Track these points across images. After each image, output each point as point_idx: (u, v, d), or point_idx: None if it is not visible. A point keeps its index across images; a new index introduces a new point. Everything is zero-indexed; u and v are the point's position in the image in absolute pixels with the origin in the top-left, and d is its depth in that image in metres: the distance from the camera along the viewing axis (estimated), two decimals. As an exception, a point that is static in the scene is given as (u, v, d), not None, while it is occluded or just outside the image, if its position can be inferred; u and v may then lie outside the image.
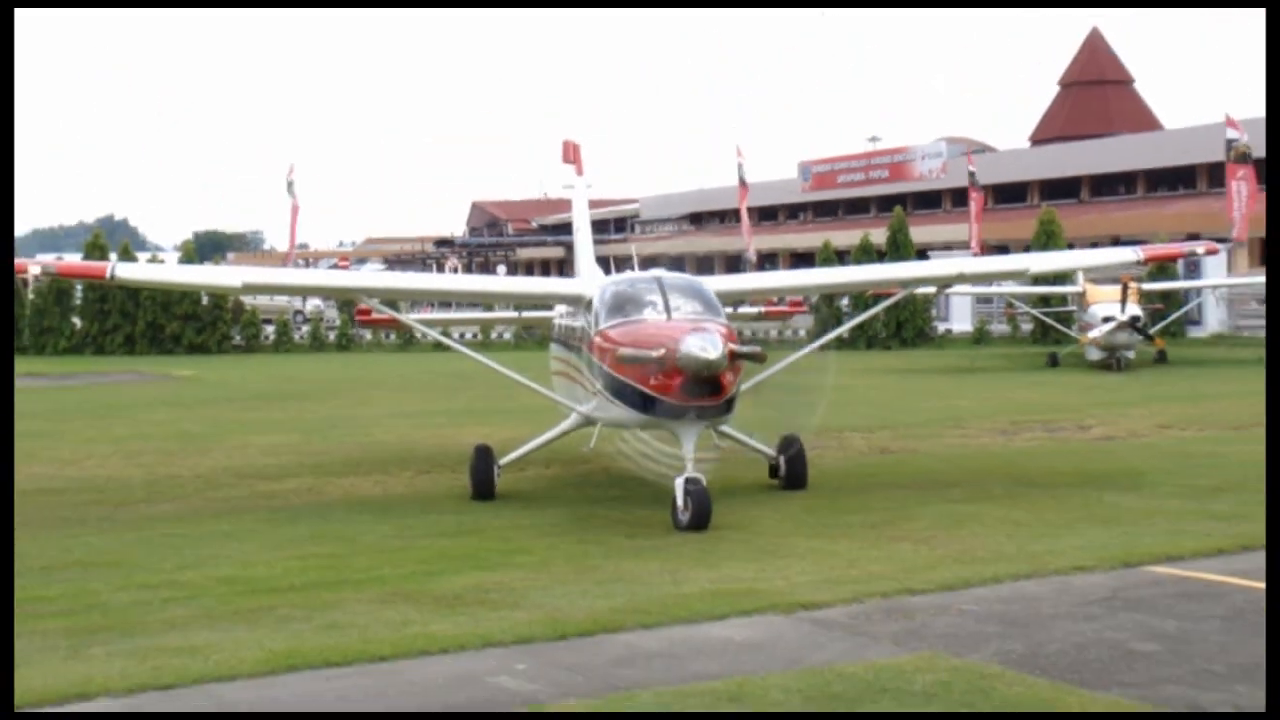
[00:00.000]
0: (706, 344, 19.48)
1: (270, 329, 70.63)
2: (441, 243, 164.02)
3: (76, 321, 68.34)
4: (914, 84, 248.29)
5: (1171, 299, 60.69)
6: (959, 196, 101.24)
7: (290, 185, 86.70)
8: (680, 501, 19.96)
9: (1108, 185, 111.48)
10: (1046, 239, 68.10)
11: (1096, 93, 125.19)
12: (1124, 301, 49.63)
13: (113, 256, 38.80)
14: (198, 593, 16.78)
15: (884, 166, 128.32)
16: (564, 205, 29.53)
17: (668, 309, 21.47)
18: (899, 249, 70.81)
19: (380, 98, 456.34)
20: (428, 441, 31.54)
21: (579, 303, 23.56)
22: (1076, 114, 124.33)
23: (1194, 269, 64.19)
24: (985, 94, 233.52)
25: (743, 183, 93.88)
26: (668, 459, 20.74)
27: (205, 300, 66.70)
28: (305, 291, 28.58)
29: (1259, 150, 65.49)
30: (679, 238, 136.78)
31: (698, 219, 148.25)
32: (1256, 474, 24.03)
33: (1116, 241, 73.23)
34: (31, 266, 21.98)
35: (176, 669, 13.34)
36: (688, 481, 19.98)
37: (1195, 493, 22.71)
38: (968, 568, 17.41)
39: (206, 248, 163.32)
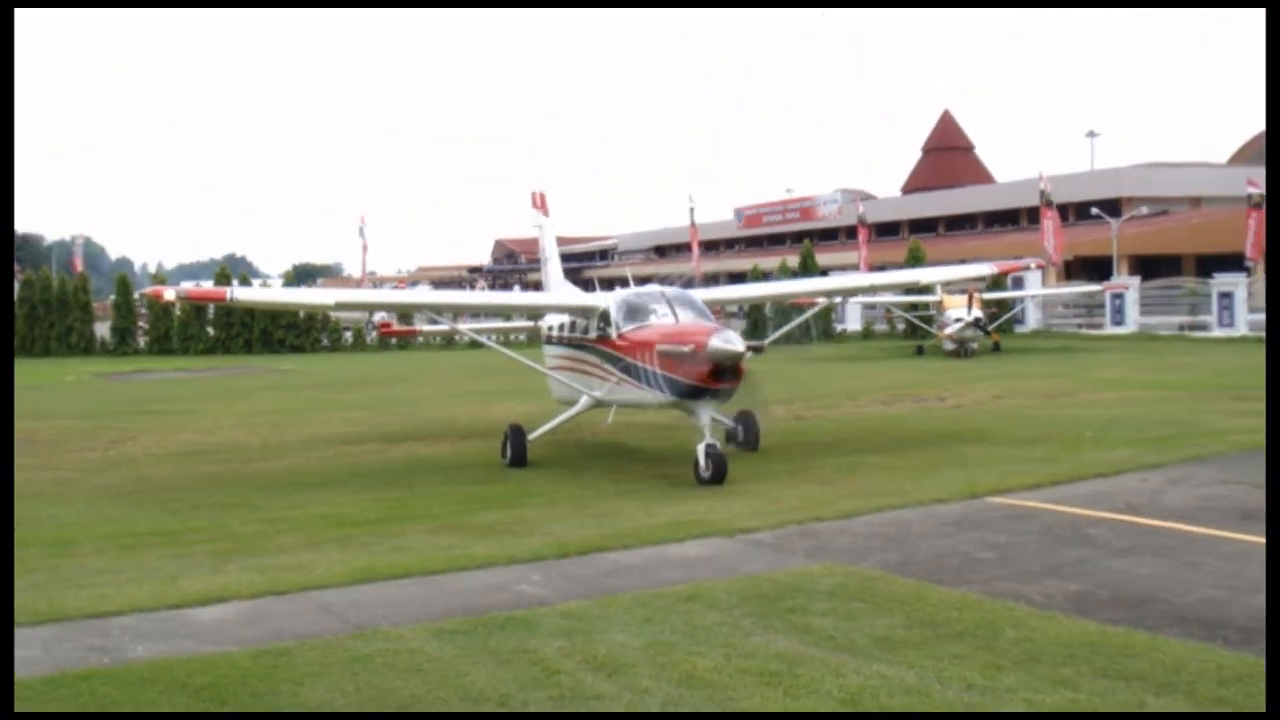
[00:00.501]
0: (731, 340, 18.96)
1: (349, 334, 70.67)
2: (473, 270, 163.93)
3: (210, 330, 68.72)
4: (820, 146, 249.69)
5: (1003, 305, 60.96)
6: (851, 232, 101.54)
7: (361, 230, 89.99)
8: (703, 462, 19.24)
9: (957, 223, 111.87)
10: (914, 262, 68.27)
11: (948, 156, 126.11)
12: (970, 307, 50.34)
13: (235, 283, 37.84)
14: (301, 525, 16.86)
15: (796, 210, 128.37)
16: (566, 241, 29.36)
17: (674, 314, 20.80)
18: (808, 271, 71.01)
19: (429, 148, 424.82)
20: (465, 415, 31.53)
21: (591, 312, 22.44)
22: (934, 171, 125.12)
23: (1019, 283, 64.49)
24: (871, 155, 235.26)
25: (693, 223, 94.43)
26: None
27: (302, 315, 67.64)
28: (379, 307, 28.38)
29: (1060, 199, 66.13)
30: (647, 264, 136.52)
31: (661, 250, 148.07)
32: (1063, 429, 24.34)
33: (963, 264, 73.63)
34: (167, 292, 21.75)
35: (288, 580, 13.52)
36: (708, 447, 19.31)
37: (1020, 444, 22.86)
38: (859, 501, 17.52)
39: (302, 275, 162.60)
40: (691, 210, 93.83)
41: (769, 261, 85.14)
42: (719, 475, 19.24)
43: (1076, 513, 16.42)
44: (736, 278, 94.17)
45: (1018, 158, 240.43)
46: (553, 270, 28.88)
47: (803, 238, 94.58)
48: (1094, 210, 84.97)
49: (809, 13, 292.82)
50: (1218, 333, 57.54)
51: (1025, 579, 12.93)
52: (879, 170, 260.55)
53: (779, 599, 12.19)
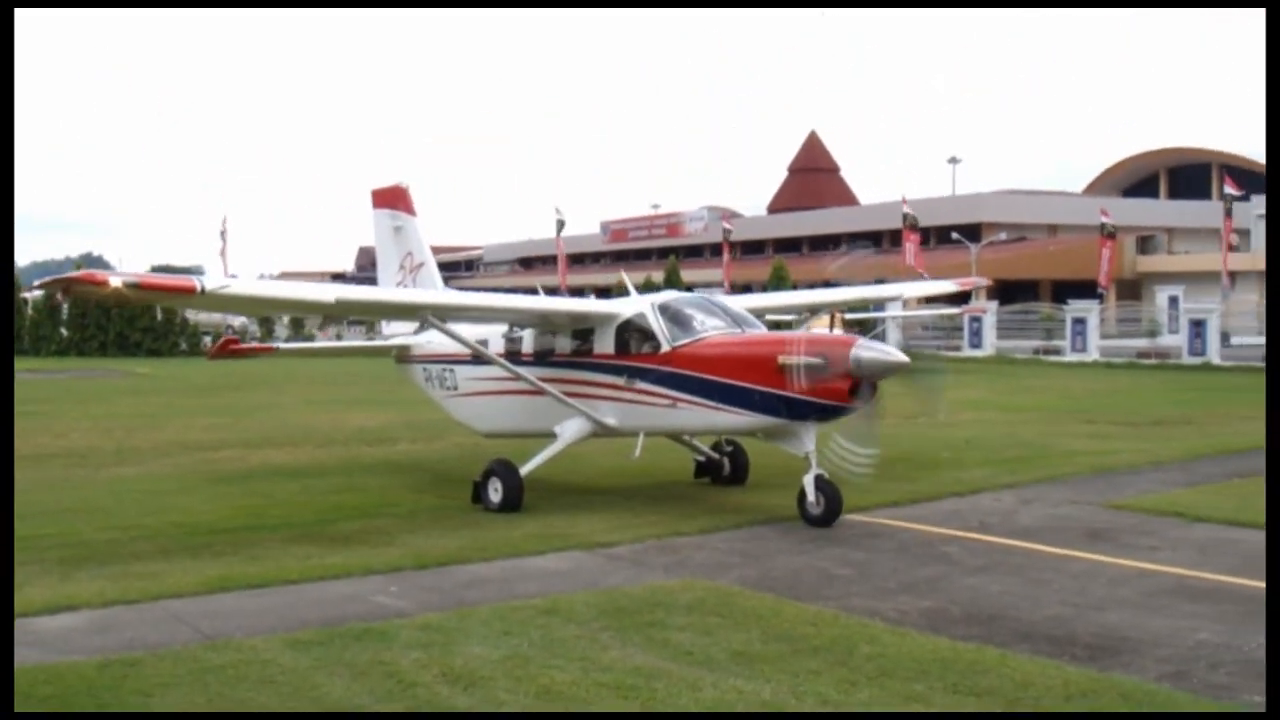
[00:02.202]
0: (883, 349, 16.94)
1: (208, 338, 69.53)
2: (336, 276, 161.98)
3: (64, 331, 67.29)
4: (686, 162, 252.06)
5: (865, 326, 61.81)
6: (716, 249, 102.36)
7: (222, 231, 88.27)
8: (812, 496, 16.92)
9: (821, 243, 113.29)
10: (778, 281, 69.07)
11: (813, 177, 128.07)
12: (831, 327, 50.88)
13: (204, 274, 29.36)
14: (155, 533, 16.54)
15: (663, 226, 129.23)
16: (434, 250, 25.75)
17: (736, 323, 18.43)
18: (674, 287, 71.24)
19: (290, 150, 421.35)
20: (326, 423, 31.15)
21: (611, 320, 18.86)
22: (800, 191, 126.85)
23: (880, 305, 65.47)
24: (738, 173, 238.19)
25: (560, 236, 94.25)
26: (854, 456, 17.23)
27: (160, 316, 66.55)
28: (386, 306, 21.66)
29: (922, 222, 67.28)
30: (512, 276, 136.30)
31: (527, 262, 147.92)
32: (920, 449, 24.67)
33: (827, 284, 74.39)
34: (113, 279, 15.63)
35: (139, 589, 13.26)
36: (818, 479, 16.98)
37: (880, 463, 23.10)
38: (718, 516, 17.65)
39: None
40: (559, 223, 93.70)
41: (634, 277, 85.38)
42: (833, 512, 16.91)
43: (932, 531, 16.72)
44: (602, 293, 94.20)
45: (882, 180, 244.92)
46: (426, 278, 24.47)
47: (668, 254, 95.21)
48: (954, 235, 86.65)
49: (679, 27, 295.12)
50: (1070, 357, 58.91)
51: (881, 595, 13.12)
52: (746, 189, 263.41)
53: (637, 613, 12.21)
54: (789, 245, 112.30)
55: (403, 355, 23.52)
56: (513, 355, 20.01)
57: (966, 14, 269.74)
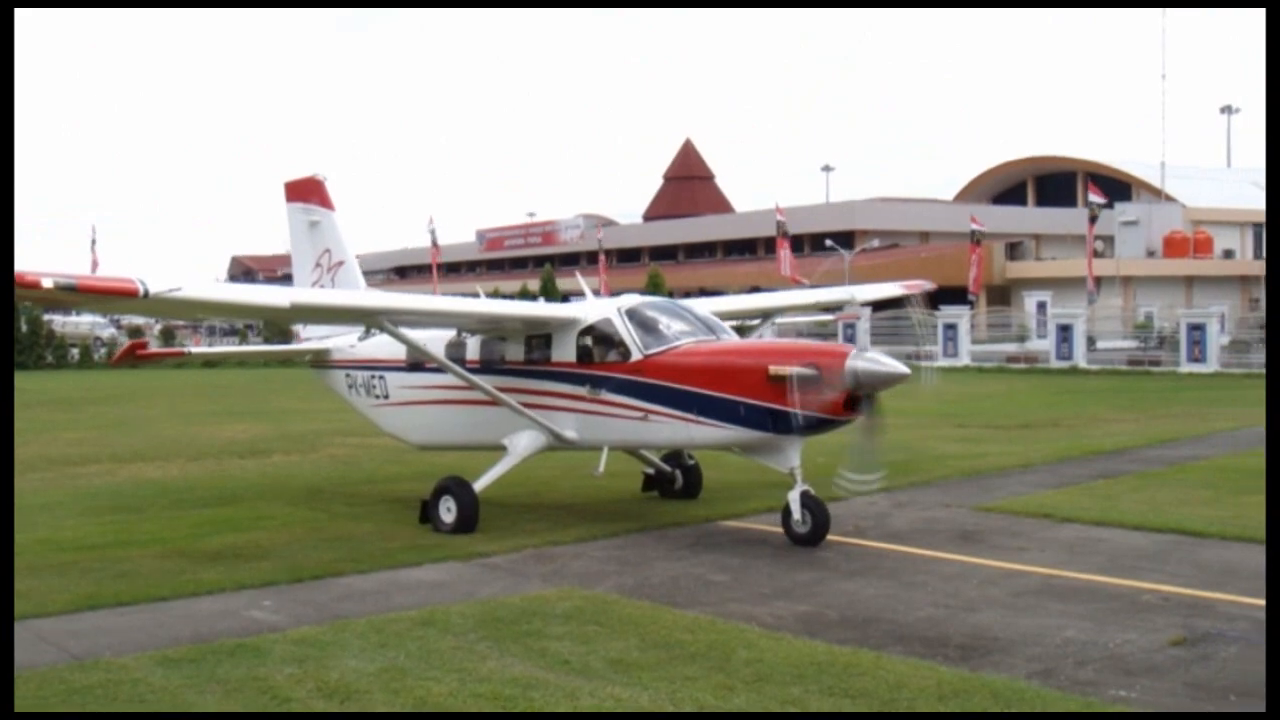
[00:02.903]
0: (881, 360, 15.67)
1: (75, 351, 68.04)
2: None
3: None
4: (562, 170, 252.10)
5: (742, 332, 62.08)
6: (592, 257, 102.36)
7: (93, 242, 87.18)
8: (797, 513, 16.05)
9: (697, 251, 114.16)
10: (654, 289, 69.23)
11: (689, 185, 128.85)
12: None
13: (145, 275, 16.65)
14: (21, 551, 16.10)
15: (538, 234, 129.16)
16: None
17: (711, 330, 17.62)
18: (549, 296, 71.23)
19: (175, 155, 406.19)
20: (197, 435, 30.67)
21: (571, 326, 17.78)
22: (675, 199, 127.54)
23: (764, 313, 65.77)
24: (614, 181, 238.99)
25: (435, 244, 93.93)
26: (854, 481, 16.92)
27: (25, 327, 64.91)
28: (341, 311, 18.70)
29: (796, 230, 67.94)
30: (387, 285, 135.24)
31: (402, 271, 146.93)
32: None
33: (703, 292, 74.94)
34: (45, 280, 13.41)
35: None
36: (804, 495, 16.11)
37: (754, 468, 23.23)
38: (596, 525, 17.68)
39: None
40: (432, 232, 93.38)
41: (509, 285, 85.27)
42: (820, 530, 16.11)
43: (807, 536, 16.86)
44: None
45: (757, 188, 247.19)
46: (347, 278, 22.54)
47: (544, 262, 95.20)
48: (828, 242, 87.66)
49: (554, 32, 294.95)
50: (943, 362, 59.84)
51: (757, 601, 13.23)
52: (623, 197, 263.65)
53: (515, 623, 12.20)
54: (665, 253, 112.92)
55: (320, 360, 22.17)
56: (455, 363, 18.54)
57: (839, 20, 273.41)
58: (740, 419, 16.09)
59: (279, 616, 12.67)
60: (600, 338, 17.54)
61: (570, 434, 17.72)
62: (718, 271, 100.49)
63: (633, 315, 17.46)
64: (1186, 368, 50.41)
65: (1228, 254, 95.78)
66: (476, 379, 18.03)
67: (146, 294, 14.17)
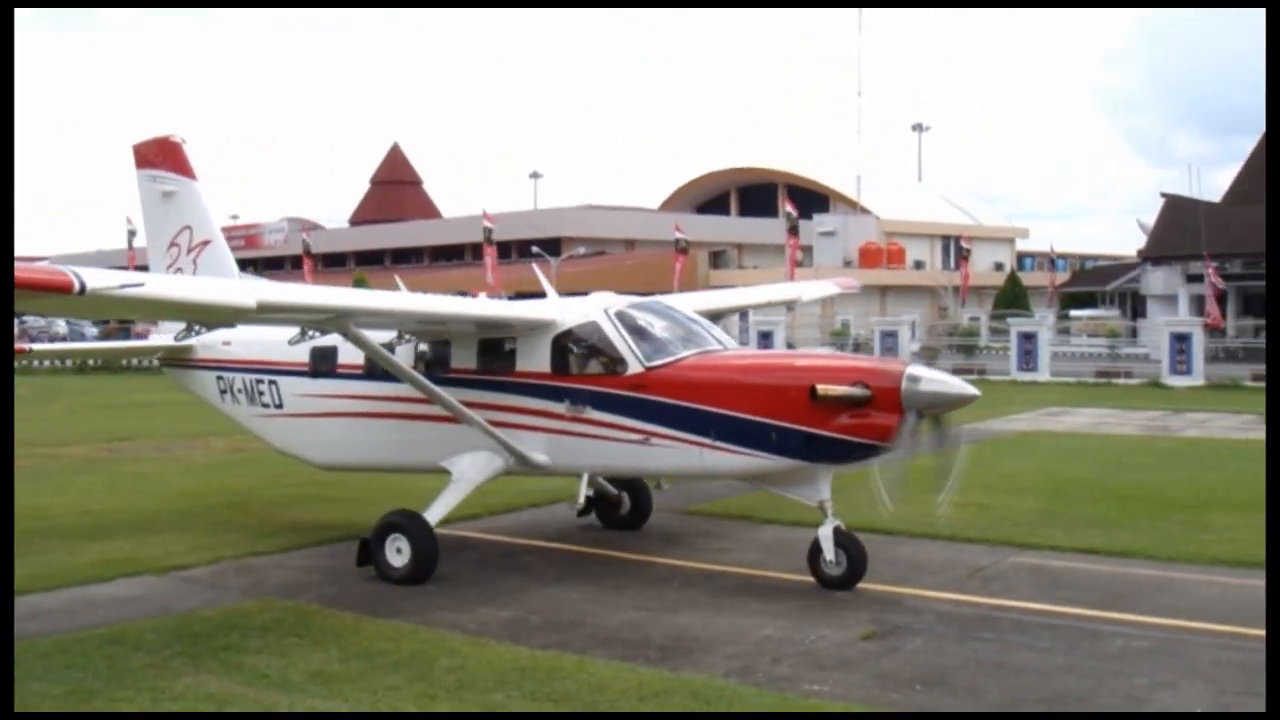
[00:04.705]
0: (946, 380, 13.78)
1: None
2: None
3: None
4: (267, 174, 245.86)
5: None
6: (297, 261, 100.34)
7: None
8: (830, 553, 13.92)
9: (404, 256, 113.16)
10: (360, 294, 68.57)
11: (396, 189, 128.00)
12: None
13: (78, 269, 11.50)
14: None
15: (241, 237, 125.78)
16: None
17: (717, 338, 15.48)
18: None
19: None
20: None
21: (544, 330, 15.18)
22: (383, 203, 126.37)
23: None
24: (320, 185, 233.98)
25: (131, 247, 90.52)
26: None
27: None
28: (314, 310, 14.08)
29: (504, 236, 68.19)
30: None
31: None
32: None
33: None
34: None
35: None
36: (838, 532, 14.01)
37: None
38: (298, 534, 17.36)
39: None
40: (131, 233, 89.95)
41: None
42: (857, 572, 14.00)
43: (512, 542, 16.97)
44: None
45: (465, 194, 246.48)
46: (214, 261, 19.13)
47: (247, 265, 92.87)
48: (535, 249, 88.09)
49: (254, 31, 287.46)
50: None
51: (461, 608, 13.21)
52: (329, 201, 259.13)
53: (211, 637, 11.88)
54: (371, 257, 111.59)
55: (178, 359, 18.97)
56: (377, 369, 15.88)
57: (546, 24, 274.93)
58: (770, 445, 13.79)
59: (-45, 638, 12.02)
60: (583, 345, 15.04)
61: (539, 457, 15.11)
62: (425, 277, 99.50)
63: (624, 319, 15.06)
64: (880, 373, 52.23)
65: (918, 264, 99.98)
66: (442, 392, 15.08)
67: (83, 289, 10.96)
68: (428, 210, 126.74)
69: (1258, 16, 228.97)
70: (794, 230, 67.52)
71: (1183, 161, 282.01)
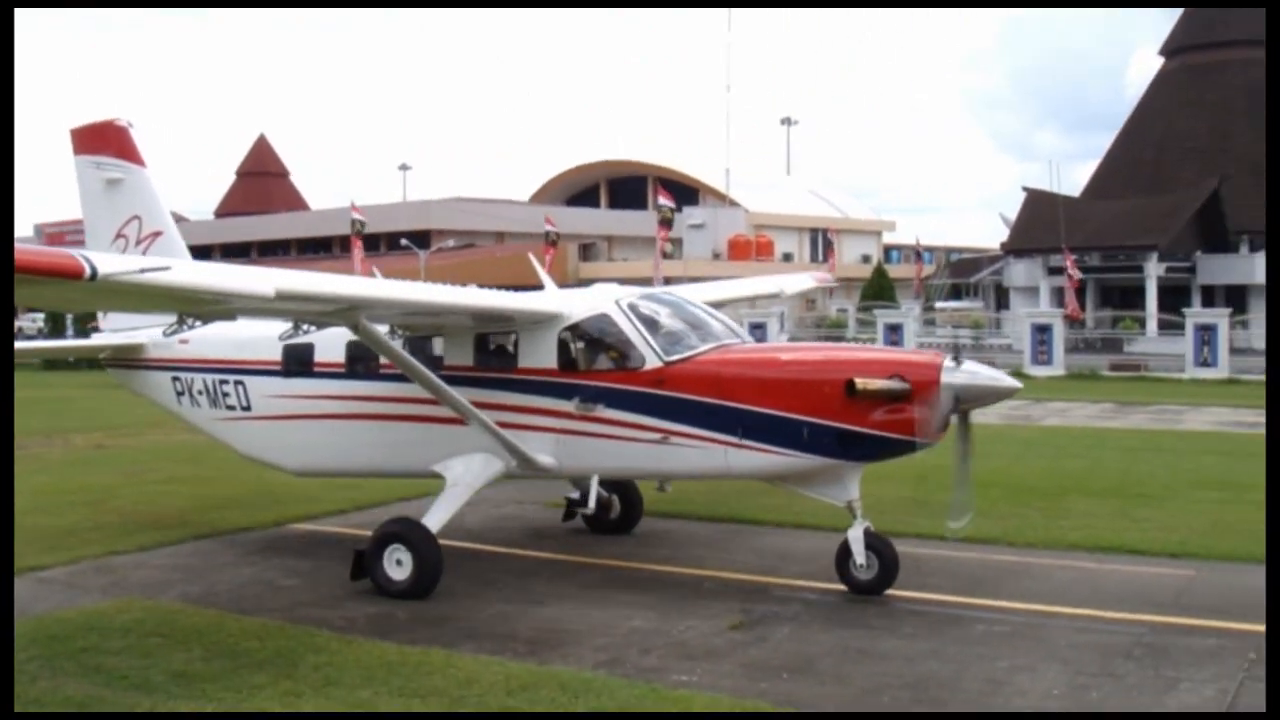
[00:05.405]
0: (986, 373, 13.23)
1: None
2: None
3: None
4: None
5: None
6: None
7: None
8: (861, 557, 13.29)
9: (271, 249, 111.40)
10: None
11: (262, 181, 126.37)
12: None
13: (88, 253, 10.58)
14: None
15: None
16: None
17: (734, 331, 14.85)
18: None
19: None
20: None
21: (549, 323, 14.24)
22: (249, 196, 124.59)
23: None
24: (185, 177, 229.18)
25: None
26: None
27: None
28: (334, 299, 12.65)
29: (373, 228, 67.57)
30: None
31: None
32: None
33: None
34: None
35: None
36: (868, 534, 13.41)
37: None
38: (160, 532, 17.05)
39: None
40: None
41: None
42: (889, 576, 13.39)
43: (380, 536, 16.78)
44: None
45: (334, 186, 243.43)
46: (168, 253, 17.00)
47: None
48: (404, 241, 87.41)
49: (113, 22, 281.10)
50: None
51: (328, 604, 13.09)
52: (194, 193, 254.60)
53: (70, 639, 11.62)
54: (237, 250, 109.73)
55: (128, 359, 17.78)
56: (358, 366, 15.27)
57: (415, 17, 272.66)
58: (802, 442, 13.11)
59: None
60: (593, 339, 14.20)
61: (545, 459, 14.16)
62: (292, 270, 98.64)
63: (637, 311, 14.22)
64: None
65: (787, 257, 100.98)
66: (454, 392, 13.91)
67: (94, 274, 9.89)
68: (295, 202, 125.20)
69: (1116, 17, 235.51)
70: (666, 222, 67.74)
71: (1044, 157, 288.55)
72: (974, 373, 12.90)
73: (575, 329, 14.14)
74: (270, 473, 18.35)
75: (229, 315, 13.43)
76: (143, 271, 10.55)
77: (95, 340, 18.97)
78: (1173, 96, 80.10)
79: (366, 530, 17.03)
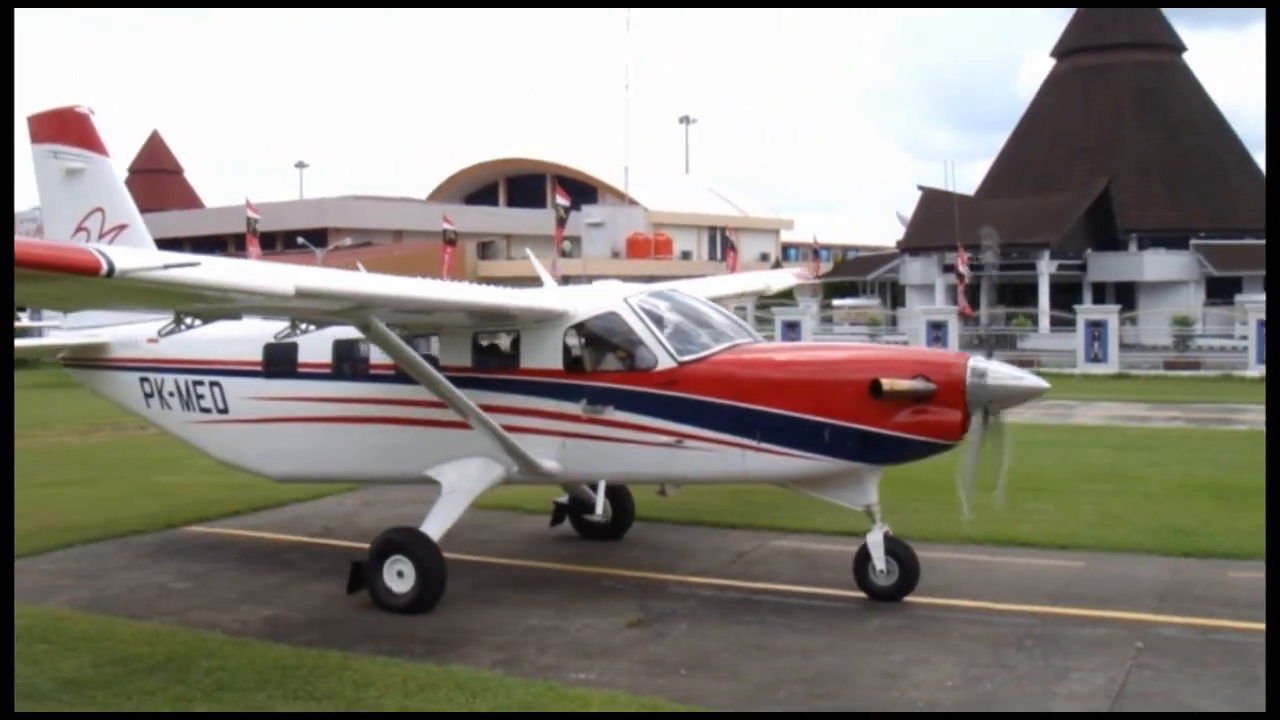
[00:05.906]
0: (1012, 373, 12.92)
1: None
2: None
3: None
4: (20, 162, 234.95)
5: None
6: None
7: None
8: (880, 563, 12.94)
9: (165, 247, 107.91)
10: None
11: (156, 178, 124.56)
12: None
13: (104, 247, 10.03)
14: None
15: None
16: None
17: (746, 330, 14.36)
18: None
19: None
20: None
21: (554, 322, 13.68)
22: (142, 193, 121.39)
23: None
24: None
25: None
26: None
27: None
28: (357, 298, 11.76)
29: (269, 226, 66.80)
30: None
31: None
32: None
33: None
34: None
35: None
36: (888, 539, 13.06)
37: (216, 471, 22.64)
38: (48, 535, 16.72)
39: None
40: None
41: None
42: (909, 582, 13.05)
43: (275, 538, 16.66)
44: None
45: (229, 183, 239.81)
46: (134, 240, 16.82)
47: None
48: (300, 239, 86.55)
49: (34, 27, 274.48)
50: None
51: (221, 607, 12.95)
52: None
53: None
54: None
55: (91, 358, 16.88)
56: (346, 366, 14.68)
57: (311, 14, 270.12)
58: (823, 445, 12.73)
59: None
60: (600, 339, 13.65)
61: (549, 464, 13.59)
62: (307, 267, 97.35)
63: (648, 310, 13.74)
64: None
65: (685, 255, 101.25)
66: (461, 395, 13.26)
67: (111, 271, 9.17)
68: (189, 200, 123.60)
69: (1011, 17, 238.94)
70: (563, 221, 67.69)
71: (940, 156, 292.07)
72: (998, 373, 12.63)
73: (582, 328, 13.65)
74: (161, 474, 18.11)
75: (234, 315, 12.89)
76: (167, 268, 9.83)
77: (53, 339, 17.95)
78: (1063, 97, 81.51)
79: (263, 532, 16.96)
